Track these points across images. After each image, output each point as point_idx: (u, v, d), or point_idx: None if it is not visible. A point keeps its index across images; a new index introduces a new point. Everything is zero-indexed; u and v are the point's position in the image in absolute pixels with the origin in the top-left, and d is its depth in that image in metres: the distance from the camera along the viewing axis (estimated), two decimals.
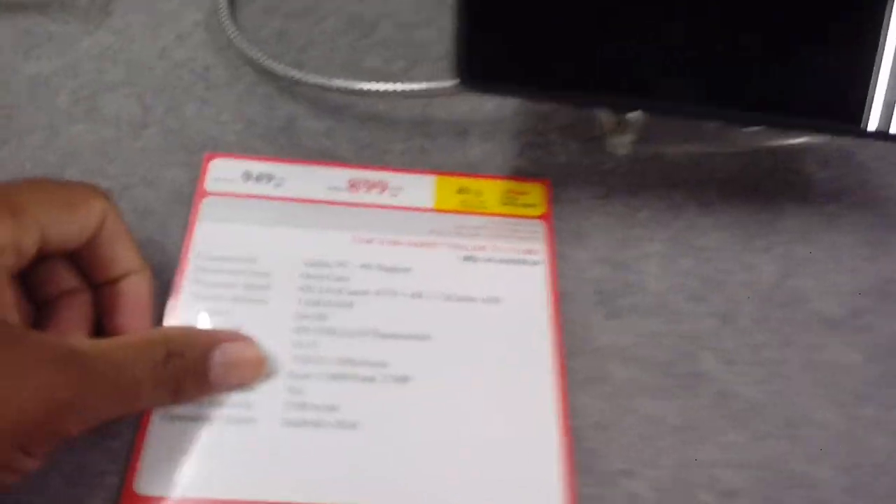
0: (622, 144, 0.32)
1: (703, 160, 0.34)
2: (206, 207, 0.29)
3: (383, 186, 0.31)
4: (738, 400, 0.27)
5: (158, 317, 0.26)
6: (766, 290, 0.30)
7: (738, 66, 0.26)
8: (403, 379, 0.26)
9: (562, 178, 0.32)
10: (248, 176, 0.30)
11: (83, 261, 0.24)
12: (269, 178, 0.30)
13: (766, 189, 0.33)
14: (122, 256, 0.24)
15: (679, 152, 0.34)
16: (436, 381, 0.26)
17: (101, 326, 0.24)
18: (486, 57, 0.25)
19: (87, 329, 0.24)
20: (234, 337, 0.25)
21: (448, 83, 0.31)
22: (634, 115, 0.31)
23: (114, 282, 0.24)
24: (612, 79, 0.26)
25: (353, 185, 0.31)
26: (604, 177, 0.32)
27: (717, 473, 0.25)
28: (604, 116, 0.32)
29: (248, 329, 0.26)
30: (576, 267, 0.30)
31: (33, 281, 0.23)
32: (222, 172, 0.30)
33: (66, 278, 0.24)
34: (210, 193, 0.29)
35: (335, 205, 0.30)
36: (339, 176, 0.31)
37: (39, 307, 0.24)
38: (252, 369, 0.25)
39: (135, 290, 0.24)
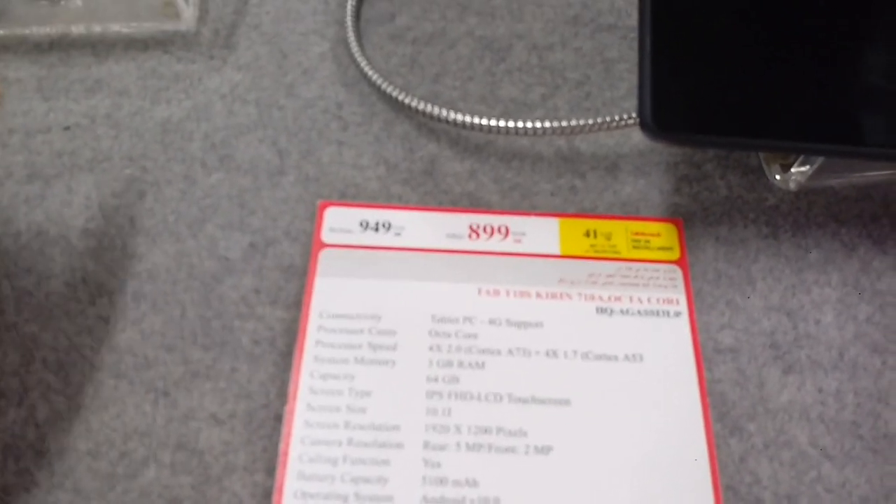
0: (793, 180, 0.29)
1: (872, 191, 0.31)
2: (324, 260, 0.28)
3: (506, 231, 0.29)
4: None
5: (282, 382, 0.25)
6: None
7: None
8: (545, 450, 0.25)
9: (724, 216, 0.30)
10: (365, 225, 0.28)
11: None
12: (387, 226, 0.28)
13: None
14: None
15: (846, 183, 0.31)
16: (580, 451, 0.25)
17: None
18: (675, 107, 0.23)
19: None
20: None
21: (593, 120, 0.29)
22: None
23: None
24: (809, 125, 0.24)
25: (473, 231, 0.29)
26: (769, 214, 0.30)
27: None
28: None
29: (377, 394, 0.25)
30: (747, 317, 0.28)
31: None
32: (338, 222, 0.29)
33: None
34: (327, 245, 0.28)
35: (457, 253, 0.28)
36: (458, 221, 0.29)
37: None
38: None
39: None
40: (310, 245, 0.28)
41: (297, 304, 0.27)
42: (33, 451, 0.24)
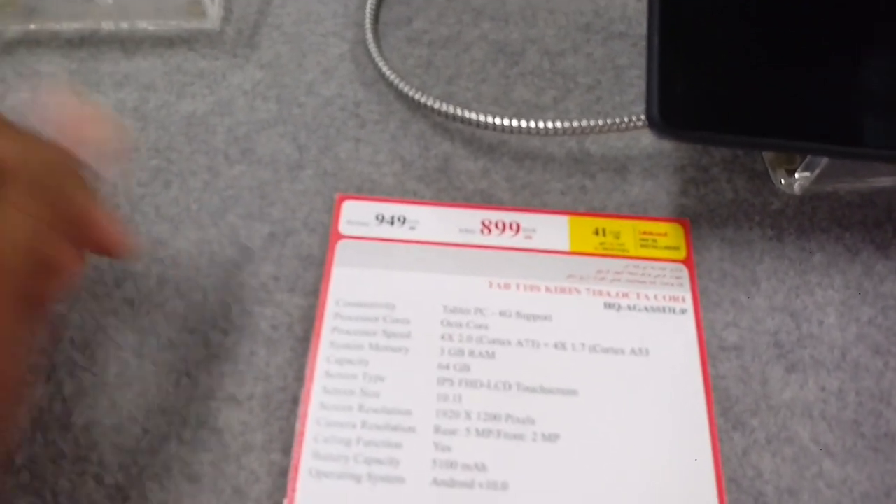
0: (798, 184, 0.30)
1: (876, 197, 0.31)
2: (341, 251, 0.29)
3: (517, 228, 0.30)
4: None
5: (299, 365, 0.26)
6: None
7: None
8: (552, 437, 0.25)
9: (730, 218, 0.30)
10: (380, 218, 0.29)
11: None
12: (402, 220, 0.29)
13: None
14: None
15: (850, 189, 0.32)
16: (586, 440, 0.25)
17: None
18: (682, 104, 0.24)
19: None
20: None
21: (603, 121, 0.30)
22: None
23: None
24: (812, 126, 0.24)
25: (485, 227, 0.30)
26: (774, 217, 0.31)
27: None
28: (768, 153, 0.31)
29: (390, 380, 0.26)
30: (752, 316, 0.28)
31: None
32: (355, 215, 0.29)
33: None
34: (344, 236, 0.29)
35: (469, 248, 0.29)
36: (471, 217, 0.30)
37: None
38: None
39: None
40: (327, 236, 0.29)
41: (314, 292, 0.28)
42: (59, 424, 0.25)
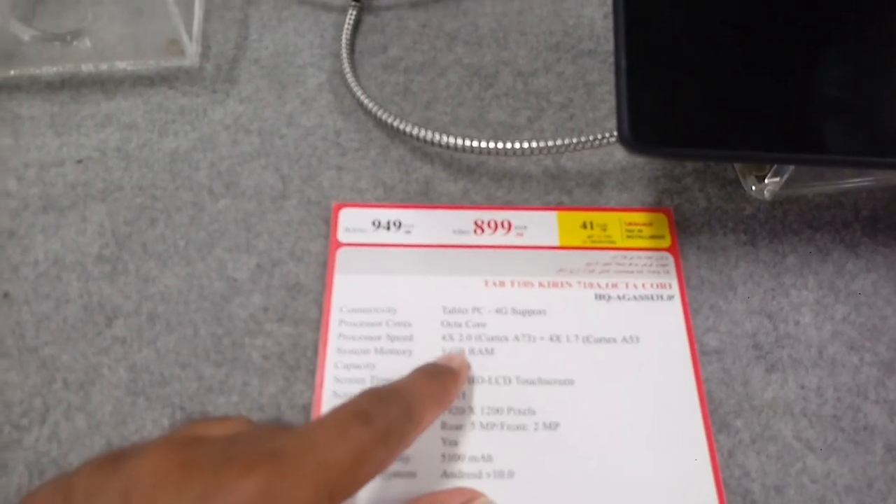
0: (768, 189, 0.31)
1: (843, 198, 0.33)
2: (341, 258, 0.30)
3: (508, 226, 0.31)
4: None
5: (293, 393, 0.27)
6: None
7: None
8: (553, 426, 0.26)
9: (705, 226, 0.31)
10: (377, 224, 0.30)
11: None
12: (398, 224, 0.30)
13: None
14: None
15: (818, 192, 0.33)
16: (585, 426, 0.27)
17: None
18: (652, 122, 0.25)
19: None
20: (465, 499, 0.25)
21: (577, 139, 0.31)
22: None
23: None
24: (783, 136, 0.25)
25: (478, 227, 0.31)
26: (747, 223, 0.32)
27: None
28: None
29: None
30: (730, 320, 0.29)
31: None
32: (352, 222, 0.30)
33: None
34: (343, 244, 0.30)
35: (464, 248, 0.30)
36: (464, 218, 0.31)
37: None
38: None
39: None
40: (314, 265, 0.30)
41: (304, 321, 0.28)
42: (56, 466, 0.25)
